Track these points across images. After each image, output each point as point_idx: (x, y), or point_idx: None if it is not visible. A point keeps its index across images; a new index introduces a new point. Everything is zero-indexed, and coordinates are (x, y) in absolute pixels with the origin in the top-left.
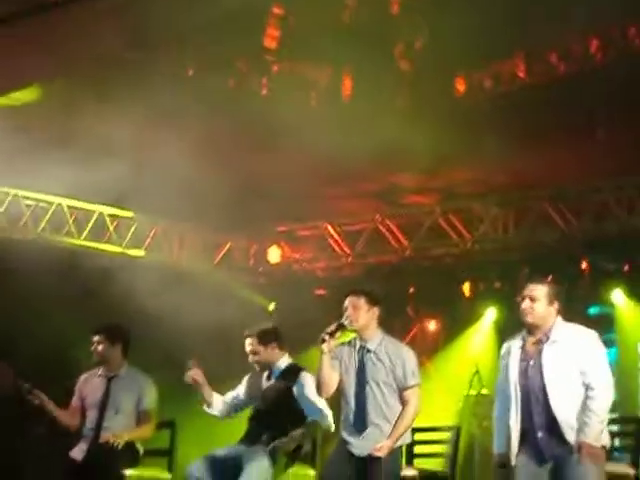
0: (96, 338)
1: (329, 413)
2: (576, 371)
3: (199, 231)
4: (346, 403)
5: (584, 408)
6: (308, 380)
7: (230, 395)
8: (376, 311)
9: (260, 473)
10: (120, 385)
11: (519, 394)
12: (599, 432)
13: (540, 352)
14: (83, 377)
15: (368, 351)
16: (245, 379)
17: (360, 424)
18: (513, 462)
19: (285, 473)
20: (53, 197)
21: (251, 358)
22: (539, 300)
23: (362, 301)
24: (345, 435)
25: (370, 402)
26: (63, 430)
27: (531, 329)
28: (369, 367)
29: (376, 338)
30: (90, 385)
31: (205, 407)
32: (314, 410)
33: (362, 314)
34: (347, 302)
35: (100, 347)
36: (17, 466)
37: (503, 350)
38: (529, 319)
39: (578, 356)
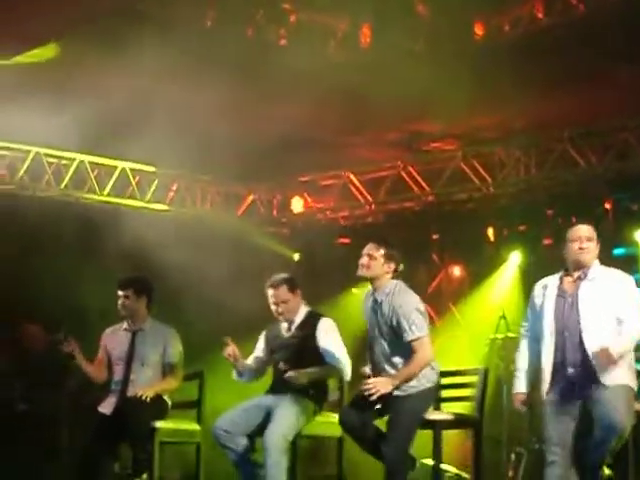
0: (122, 292)
1: (347, 361)
2: (611, 310)
3: (221, 184)
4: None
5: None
6: (327, 326)
7: (251, 358)
8: (392, 266)
9: (289, 421)
10: (145, 338)
11: (554, 330)
12: (621, 350)
13: (577, 288)
14: (108, 331)
15: (376, 302)
16: (261, 337)
17: (375, 371)
18: (544, 397)
19: (313, 420)
20: (75, 154)
21: (281, 308)
22: (593, 240)
23: (380, 252)
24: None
25: (380, 351)
26: (91, 384)
27: (580, 268)
28: (378, 318)
29: (387, 289)
30: (116, 339)
31: (235, 376)
32: (331, 357)
33: (376, 264)
34: (366, 249)
35: (127, 301)
36: (54, 419)
37: (537, 288)
38: (587, 258)
39: (614, 296)
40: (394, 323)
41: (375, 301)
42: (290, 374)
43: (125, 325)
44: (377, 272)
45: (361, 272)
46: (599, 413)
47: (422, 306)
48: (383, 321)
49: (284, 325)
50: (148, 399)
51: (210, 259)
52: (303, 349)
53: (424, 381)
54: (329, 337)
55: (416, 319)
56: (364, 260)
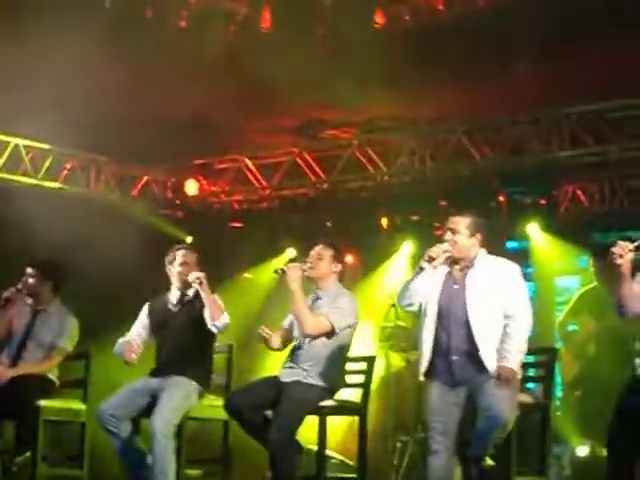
0: (28, 271)
1: (225, 320)
2: (498, 301)
3: (116, 164)
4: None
5: (504, 336)
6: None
7: (133, 332)
8: (339, 267)
9: (175, 405)
10: (44, 320)
11: (436, 315)
12: (518, 359)
13: (464, 277)
14: (14, 292)
15: (318, 298)
16: (144, 311)
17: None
18: (421, 378)
19: (199, 403)
20: None
21: (184, 270)
22: (460, 233)
23: (328, 253)
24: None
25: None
26: None
27: (455, 260)
28: (316, 312)
29: (330, 290)
30: (19, 312)
31: (116, 350)
32: None
33: (323, 265)
34: (315, 249)
35: (30, 280)
36: None
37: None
38: (452, 250)
39: (500, 287)
40: (332, 312)
41: (317, 298)
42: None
43: (30, 301)
44: (323, 272)
45: (308, 273)
46: (483, 404)
47: (353, 317)
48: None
49: (174, 296)
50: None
51: (102, 239)
52: (190, 326)
53: (321, 380)
54: None
55: (345, 310)
56: (313, 260)
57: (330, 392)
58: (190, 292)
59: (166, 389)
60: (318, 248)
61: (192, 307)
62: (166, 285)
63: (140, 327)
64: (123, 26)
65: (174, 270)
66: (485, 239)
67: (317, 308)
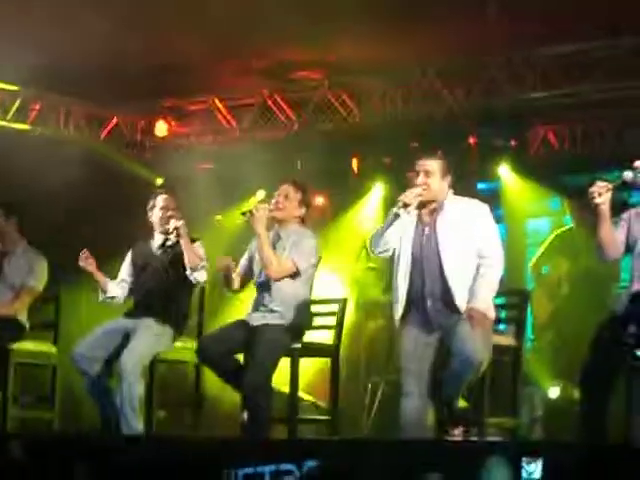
0: None
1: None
2: (469, 242)
3: (85, 105)
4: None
5: (476, 276)
6: (198, 248)
7: (119, 278)
8: (304, 211)
9: (146, 345)
10: (13, 262)
11: (409, 260)
12: (489, 300)
13: (435, 221)
14: None
15: (279, 238)
16: (127, 258)
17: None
18: (397, 324)
19: (172, 346)
20: None
21: (164, 214)
22: (433, 174)
23: (297, 196)
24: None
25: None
26: None
27: (426, 203)
28: (278, 252)
29: (291, 229)
30: None
31: (102, 296)
32: None
33: (289, 206)
34: (282, 189)
35: None
36: None
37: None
38: (424, 194)
39: (471, 228)
40: (292, 252)
41: (279, 238)
42: None
43: None
44: (287, 214)
45: (272, 212)
46: (456, 346)
47: (316, 255)
48: (283, 252)
49: (156, 241)
50: None
51: (71, 181)
52: (170, 269)
53: (291, 320)
54: None
55: (305, 249)
56: (280, 200)
57: (300, 331)
58: (172, 236)
59: (138, 330)
60: (286, 188)
61: (173, 251)
62: (138, 228)
63: (124, 273)
64: None
65: (155, 216)
66: (455, 180)
67: (278, 248)
